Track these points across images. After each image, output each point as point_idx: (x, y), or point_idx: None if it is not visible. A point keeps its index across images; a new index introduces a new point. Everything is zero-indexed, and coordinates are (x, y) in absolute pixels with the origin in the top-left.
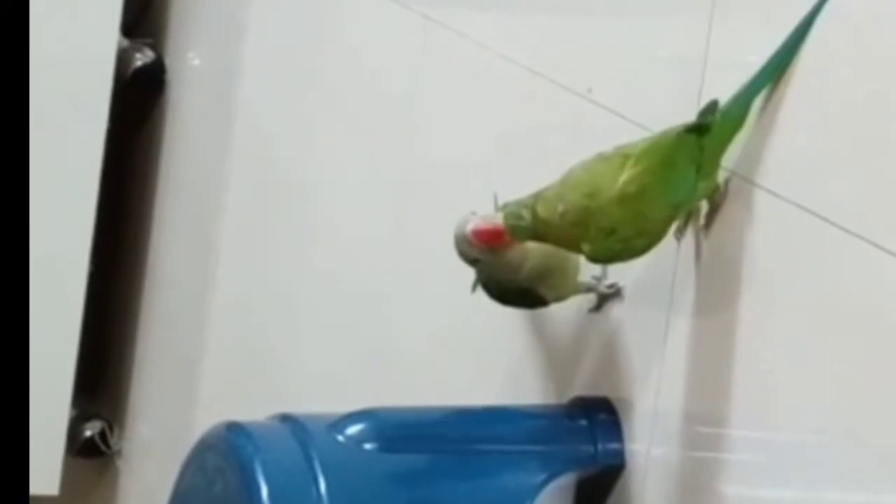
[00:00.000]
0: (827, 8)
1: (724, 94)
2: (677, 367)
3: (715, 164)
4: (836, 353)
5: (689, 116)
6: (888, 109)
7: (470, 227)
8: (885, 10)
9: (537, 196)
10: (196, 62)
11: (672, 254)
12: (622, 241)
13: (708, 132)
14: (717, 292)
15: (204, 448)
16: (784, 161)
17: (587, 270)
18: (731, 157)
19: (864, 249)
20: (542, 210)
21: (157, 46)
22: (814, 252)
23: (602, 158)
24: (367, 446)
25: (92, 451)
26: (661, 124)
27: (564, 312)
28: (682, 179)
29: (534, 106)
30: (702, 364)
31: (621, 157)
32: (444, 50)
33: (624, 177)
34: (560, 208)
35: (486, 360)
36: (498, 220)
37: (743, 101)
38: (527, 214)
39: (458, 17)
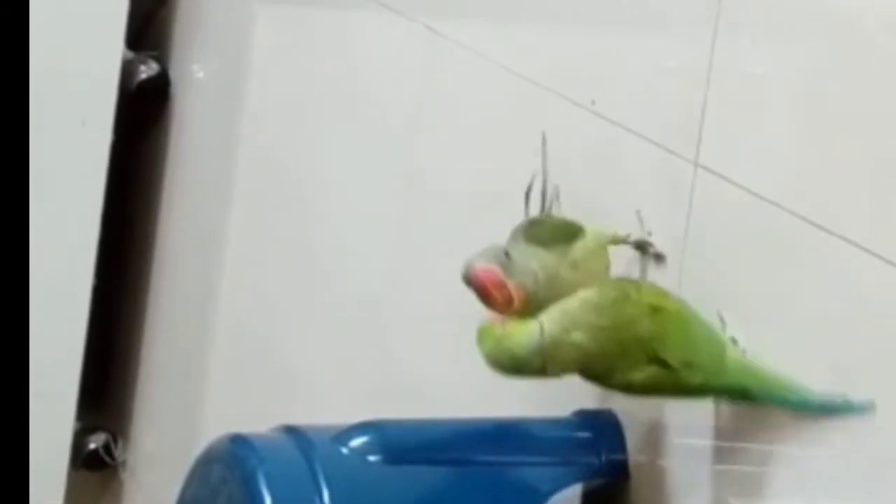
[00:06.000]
0: None
1: (727, 105)
2: None
3: None
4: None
5: (693, 128)
6: None
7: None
8: None
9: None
10: (200, 74)
11: (678, 262)
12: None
13: None
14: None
15: (208, 460)
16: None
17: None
18: None
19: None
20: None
21: (162, 59)
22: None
23: None
24: (372, 458)
25: (96, 464)
26: (664, 136)
27: None
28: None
29: (537, 117)
30: None
31: None
32: (448, 61)
33: None
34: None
35: (490, 373)
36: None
37: None
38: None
39: (462, 29)
